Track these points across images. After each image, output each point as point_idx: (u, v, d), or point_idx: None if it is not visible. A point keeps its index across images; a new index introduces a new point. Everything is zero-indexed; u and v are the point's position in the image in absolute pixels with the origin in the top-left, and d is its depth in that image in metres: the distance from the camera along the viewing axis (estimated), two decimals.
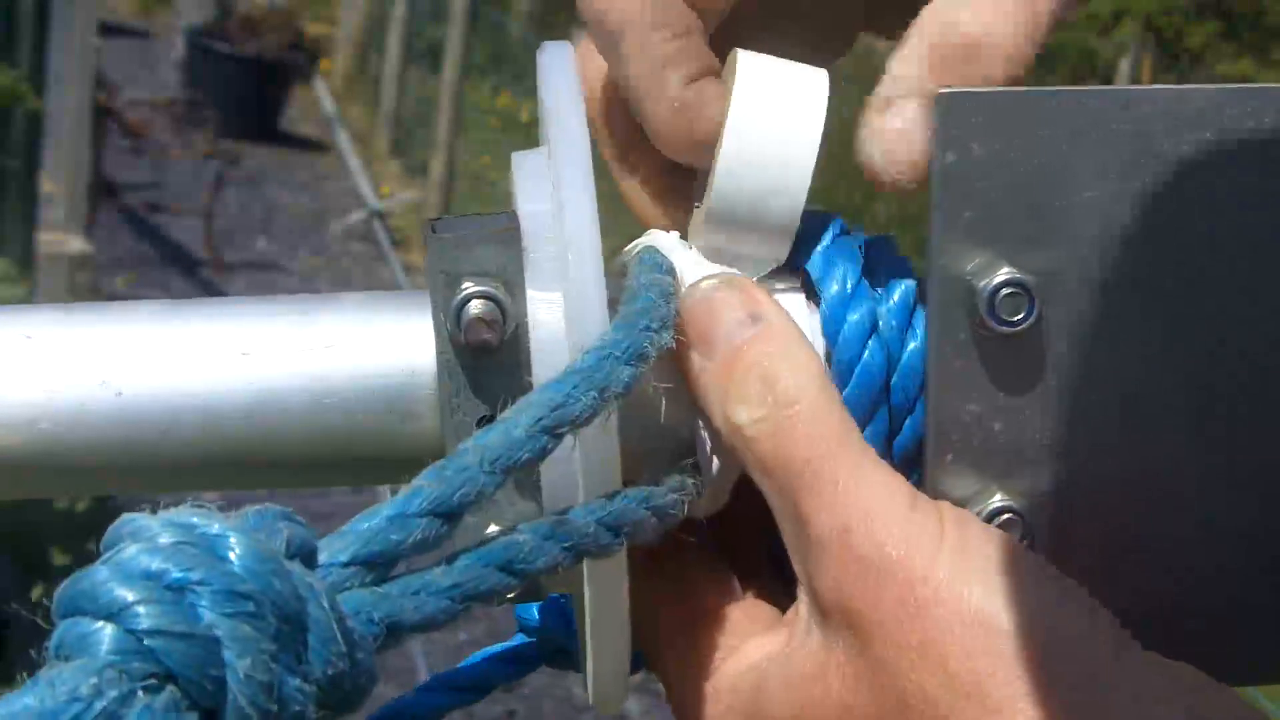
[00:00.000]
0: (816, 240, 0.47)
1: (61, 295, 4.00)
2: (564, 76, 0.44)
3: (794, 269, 0.47)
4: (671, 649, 0.46)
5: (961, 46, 0.44)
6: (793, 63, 0.47)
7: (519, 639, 0.53)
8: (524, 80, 7.76)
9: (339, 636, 0.27)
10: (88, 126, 4.17)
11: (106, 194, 5.44)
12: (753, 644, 0.45)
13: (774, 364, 0.42)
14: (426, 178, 6.42)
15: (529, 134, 7.25)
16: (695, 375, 0.44)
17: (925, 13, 0.45)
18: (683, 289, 0.45)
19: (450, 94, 6.18)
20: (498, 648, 0.53)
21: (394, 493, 0.33)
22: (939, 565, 0.40)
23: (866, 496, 0.41)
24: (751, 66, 0.46)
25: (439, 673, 0.52)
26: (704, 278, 0.45)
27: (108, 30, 6.63)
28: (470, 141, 6.59)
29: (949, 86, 0.43)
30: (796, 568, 0.43)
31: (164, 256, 5.63)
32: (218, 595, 0.26)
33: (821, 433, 0.42)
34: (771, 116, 0.45)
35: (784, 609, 0.46)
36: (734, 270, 0.46)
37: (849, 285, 0.45)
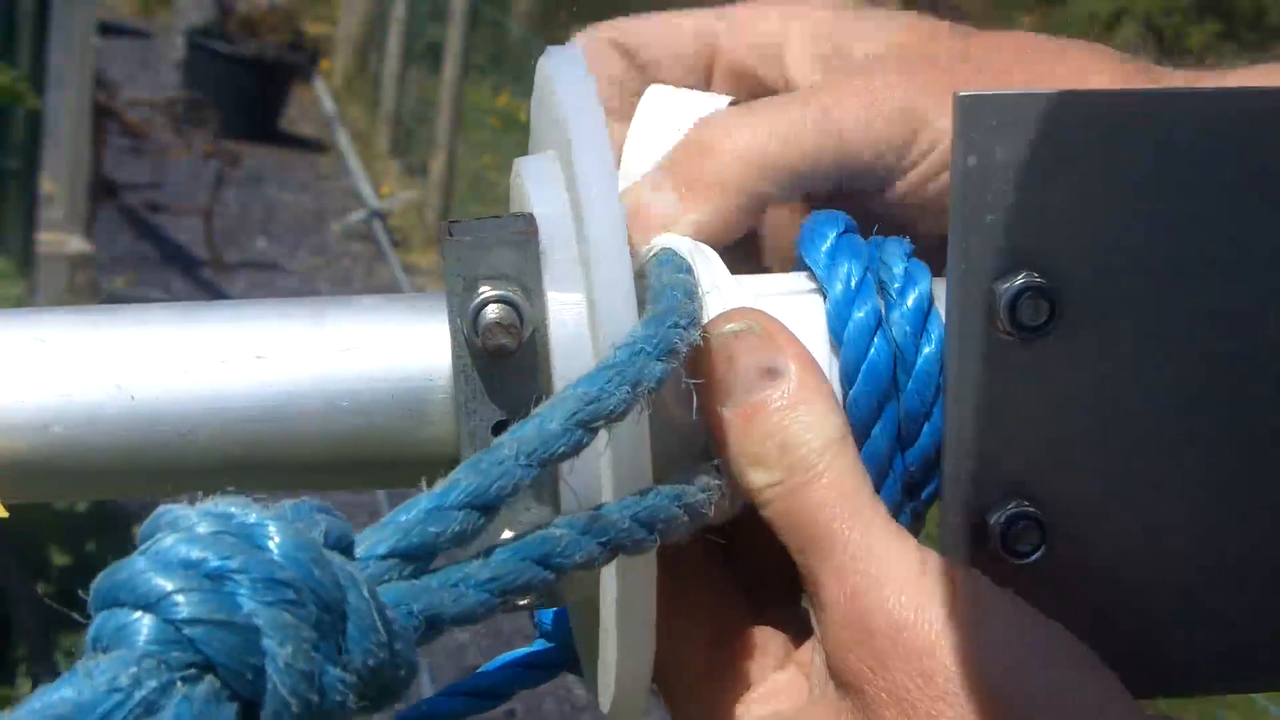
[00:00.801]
0: (823, 239, 0.46)
1: (61, 295, 4.00)
2: (578, 77, 0.44)
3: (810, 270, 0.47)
4: (684, 671, 0.45)
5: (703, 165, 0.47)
6: (695, 92, 0.50)
7: (539, 644, 0.52)
8: (524, 80, 7.73)
9: (380, 626, 0.27)
10: (88, 126, 4.17)
11: (106, 194, 5.43)
12: (767, 688, 0.44)
13: (789, 427, 0.42)
14: (426, 178, 6.41)
15: (529, 134, 7.20)
16: (714, 419, 0.44)
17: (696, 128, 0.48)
18: (701, 292, 0.45)
19: (450, 94, 6.17)
20: (518, 653, 0.52)
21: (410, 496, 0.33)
22: (948, 635, 0.40)
23: (875, 562, 0.41)
24: (653, 95, 0.50)
25: (458, 680, 0.52)
26: (728, 316, 0.44)
27: (108, 30, 6.64)
28: (470, 141, 6.59)
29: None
30: (814, 625, 0.43)
31: (164, 256, 5.62)
32: (257, 583, 0.26)
33: (834, 498, 0.42)
34: (662, 138, 0.48)
35: (791, 628, 0.46)
36: (760, 291, 0.46)
37: (853, 282, 0.45)
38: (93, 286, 4.30)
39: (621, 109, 0.51)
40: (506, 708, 3.30)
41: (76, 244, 4.18)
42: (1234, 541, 0.45)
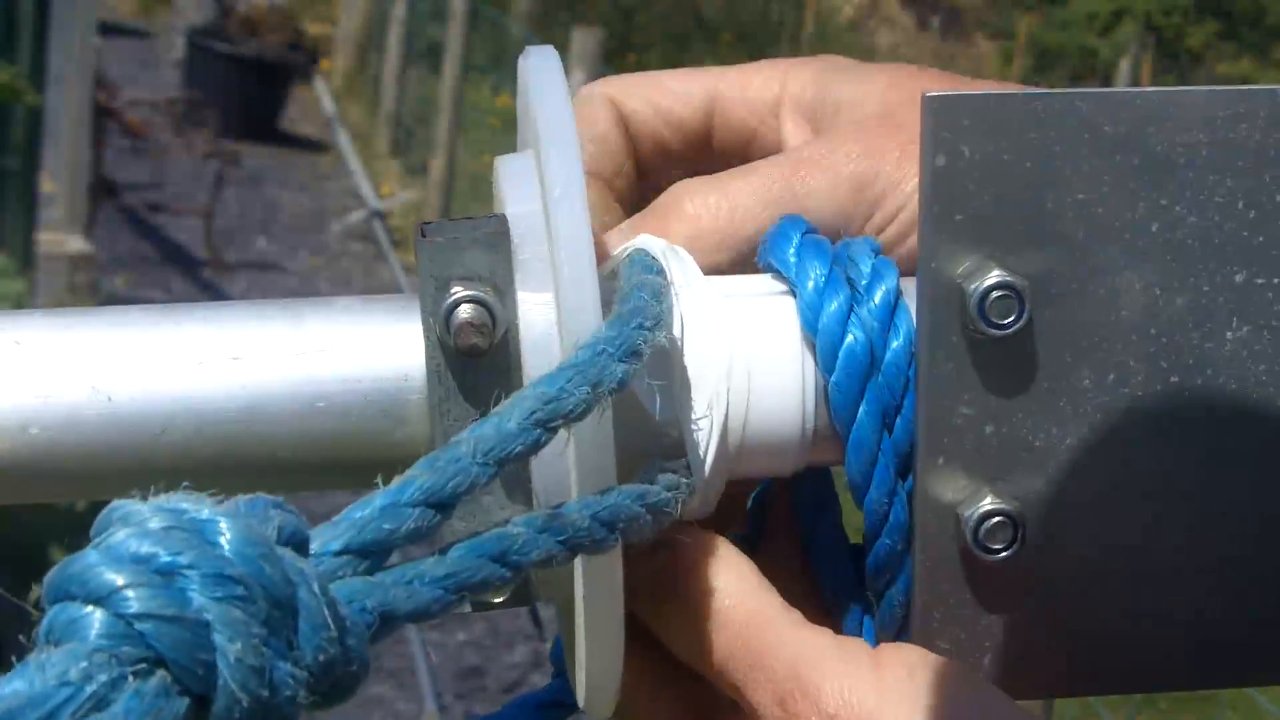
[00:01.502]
0: (788, 241, 0.47)
1: (61, 294, 4.00)
2: (552, 79, 0.44)
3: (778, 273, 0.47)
4: None
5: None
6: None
7: (555, 686, 0.52)
8: None
9: (330, 622, 0.27)
10: (88, 126, 4.18)
11: (106, 194, 5.44)
12: None
13: (686, 581, 0.44)
14: (426, 178, 6.42)
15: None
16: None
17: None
18: (672, 292, 0.45)
19: (450, 94, 6.18)
20: (534, 695, 0.52)
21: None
22: (882, 711, 0.41)
23: (791, 658, 0.42)
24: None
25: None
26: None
27: (108, 30, 6.64)
28: (470, 141, 6.59)
29: None
30: None
31: (164, 256, 5.63)
32: (208, 578, 0.26)
33: (739, 629, 0.43)
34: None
35: None
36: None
37: (821, 277, 0.45)
38: (93, 286, 4.31)
39: (604, 168, 0.52)
40: None
41: (76, 244, 4.18)
42: (1208, 541, 0.45)
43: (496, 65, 7.10)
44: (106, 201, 5.43)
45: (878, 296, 0.45)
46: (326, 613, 0.27)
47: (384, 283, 5.67)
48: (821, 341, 0.45)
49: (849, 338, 0.45)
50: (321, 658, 0.27)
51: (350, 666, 0.27)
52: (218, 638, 0.26)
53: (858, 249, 0.47)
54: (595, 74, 5.07)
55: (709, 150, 0.53)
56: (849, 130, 0.50)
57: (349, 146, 7.29)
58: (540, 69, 0.45)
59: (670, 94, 0.53)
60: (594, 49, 5.11)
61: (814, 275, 0.46)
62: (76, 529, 2.47)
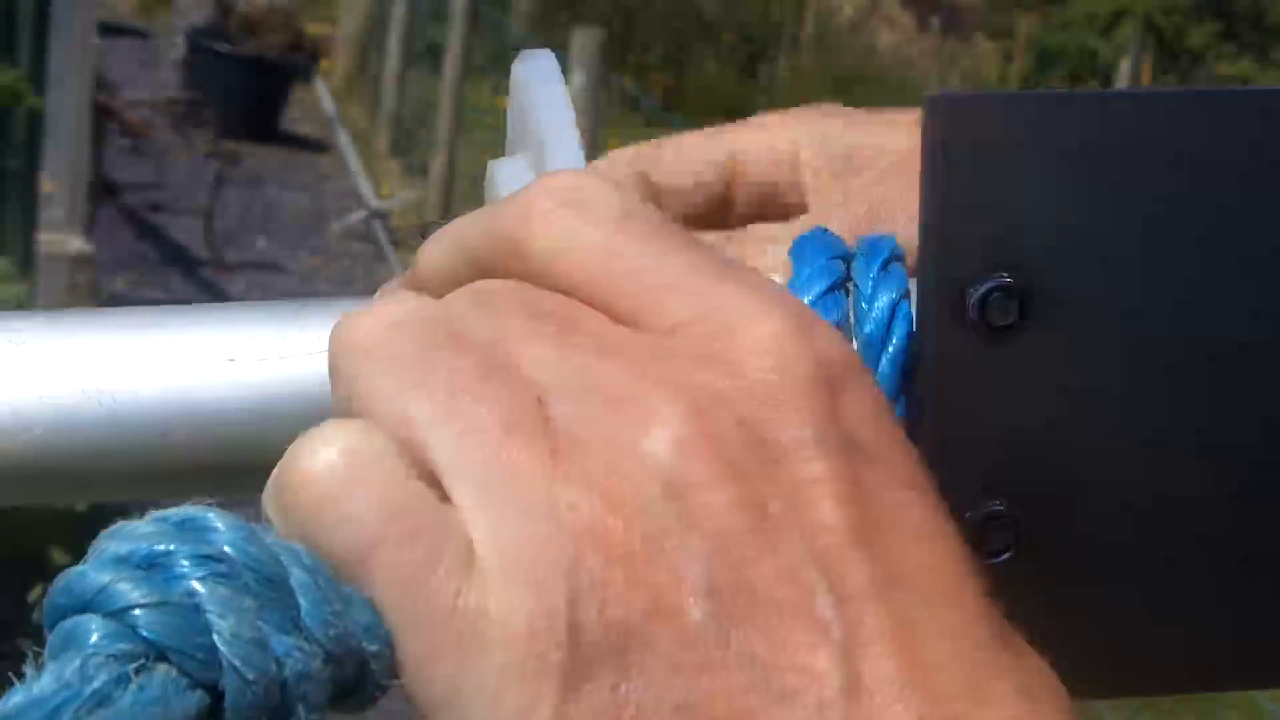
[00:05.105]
0: (807, 263, 0.46)
1: (61, 295, 4.00)
2: (551, 81, 0.44)
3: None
4: None
5: None
6: None
7: None
8: None
9: (332, 596, 0.27)
10: (88, 126, 4.17)
11: (106, 194, 5.44)
12: None
13: None
14: (426, 178, 6.42)
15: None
16: None
17: None
18: None
19: (450, 94, 6.18)
20: None
21: None
22: None
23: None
24: None
25: None
26: None
27: (108, 30, 6.63)
28: (470, 141, 6.59)
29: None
30: None
31: (164, 256, 5.63)
32: (191, 559, 0.26)
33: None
34: None
35: None
36: None
37: (816, 298, 0.44)
38: (92, 286, 4.30)
39: None
40: None
41: (76, 244, 4.18)
42: (1215, 539, 0.45)
43: (496, 65, 7.11)
44: (106, 201, 5.42)
45: (873, 315, 0.44)
46: (325, 586, 0.27)
47: (384, 282, 5.67)
48: None
49: None
50: (331, 632, 0.27)
51: (373, 645, 0.27)
52: (210, 617, 0.26)
53: (862, 264, 0.46)
54: (595, 74, 5.07)
55: (730, 208, 0.54)
56: (885, 177, 0.50)
57: (349, 146, 7.30)
58: (537, 72, 0.45)
59: (696, 161, 0.53)
60: (594, 49, 5.11)
61: (810, 297, 0.45)
62: (77, 530, 2.47)
